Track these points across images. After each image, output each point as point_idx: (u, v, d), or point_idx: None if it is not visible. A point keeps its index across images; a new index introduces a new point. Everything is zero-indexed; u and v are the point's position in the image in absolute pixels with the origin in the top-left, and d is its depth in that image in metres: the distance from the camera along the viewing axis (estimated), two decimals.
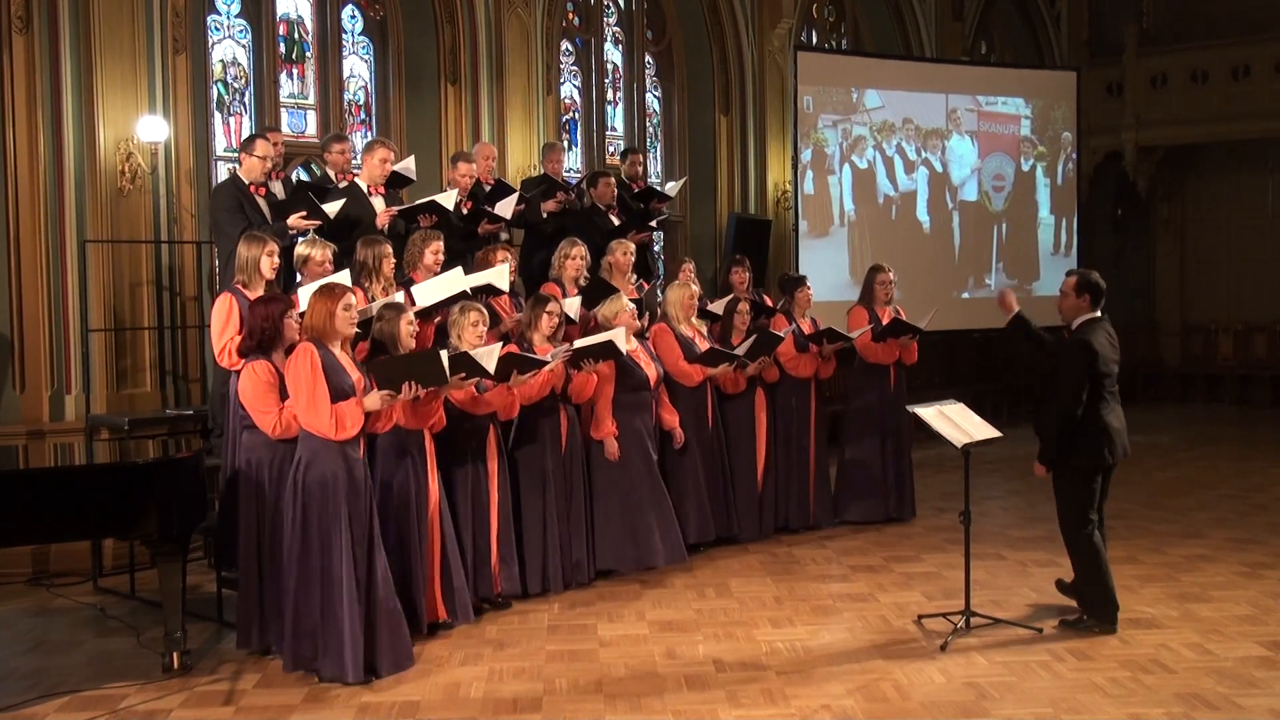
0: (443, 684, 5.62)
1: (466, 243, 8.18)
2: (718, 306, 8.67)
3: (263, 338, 5.82)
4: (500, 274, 7.36)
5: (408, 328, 6.14)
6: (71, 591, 7.43)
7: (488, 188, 8.87)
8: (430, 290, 6.89)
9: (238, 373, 6.20)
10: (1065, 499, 6.32)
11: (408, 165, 8.26)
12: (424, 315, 6.73)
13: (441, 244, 7.38)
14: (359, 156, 8.30)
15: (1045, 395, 6.47)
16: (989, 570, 7.54)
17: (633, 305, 7.61)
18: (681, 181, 11.29)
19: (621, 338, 7.18)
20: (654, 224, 9.83)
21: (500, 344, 6.50)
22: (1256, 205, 17.22)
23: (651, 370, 7.65)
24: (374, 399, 5.60)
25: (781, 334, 8.46)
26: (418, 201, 7.86)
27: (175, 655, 5.80)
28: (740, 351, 8.06)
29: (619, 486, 7.42)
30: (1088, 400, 6.11)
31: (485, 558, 6.74)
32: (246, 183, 7.43)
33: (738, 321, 8.36)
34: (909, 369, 9.22)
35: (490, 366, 6.26)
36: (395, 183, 8.16)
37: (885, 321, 8.91)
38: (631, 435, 7.47)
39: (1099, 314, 6.32)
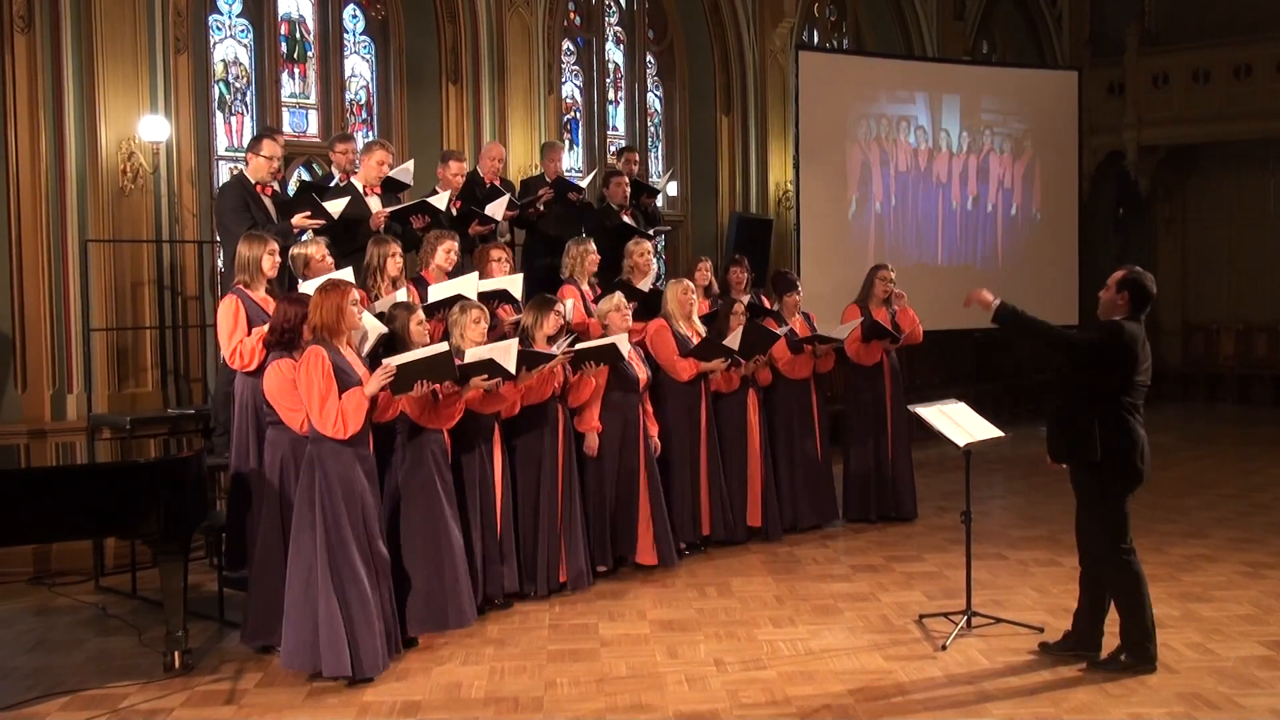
0: (444, 683, 5.62)
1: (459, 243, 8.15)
2: None
3: (282, 336, 5.83)
4: (514, 282, 7.38)
5: (417, 326, 6.16)
6: (73, 591, 7.43)
7: (488, 186, 8.85)
8: (443, 290, 6.91)
9: (247, 372, 6.22)
10: (1096, 520, 5.69)
11: (406, 169, 8.24)
12: (428, 312, 6.73)
13: (455, 244, 7.40)
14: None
15: (1057, 392, 5.82)
16: (990, 570, 7.54)
17: (626, 304, 7.59)
18: (670, 174, 11.23)
19: (625, 342, 7.18)
20: (652, 231, 9.78)
21: (514, 340, 6.51)
22: (1258, 205, 17.21)
23: (642, 373, 7.65)
24: (374, 383, 5.59)
25: (778, 332, 8.43)
26: (409, 203, 7.85)
27: (177, 654, 5.81)
28: (730, 342, 8.00)
29: (599, 486, 7.42)
30: (1115, 409, 5.57)
31: (494, 555, 6.75)
32: (253, 182, 7.43)
33: (733, 323, 8.33)
34: (908, 369, 9.21)
35: (511, 366, 6.29)
36: (393, 186, 8.16)
37: (882, 320, 8.90)
38: (616, 435, 7.46)
39: (1136, 317, 5.69)
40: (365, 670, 5.58)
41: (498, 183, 8.99)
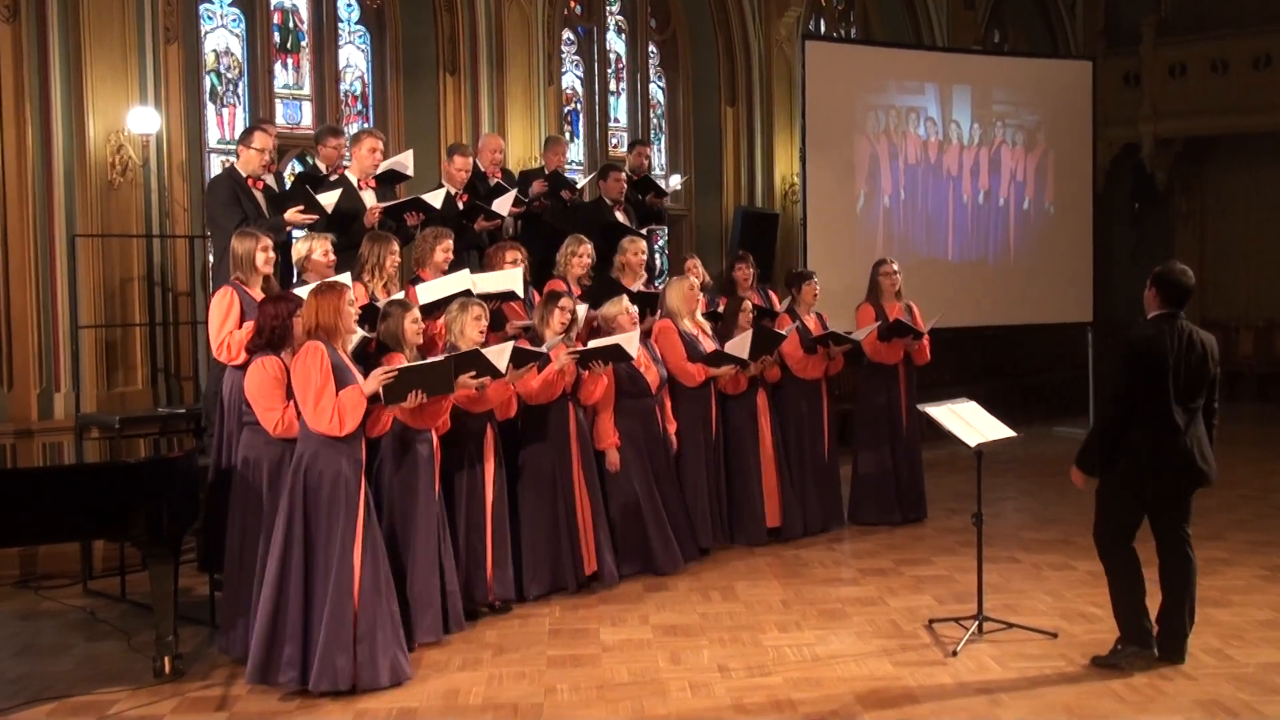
0: (441, 690, 5.62)
1: (459, 239, 8.10)
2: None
3: (272, 336, 5.82)
4: (515, 278, 7.37)
5: (412, 325, 6.14)
6: (60, 594, 7.43)
7: (493, 181, 8.84)
8: (435, 289, 6.90)
9: (237, 367, 6.20)
10: (1100, 506, 5.91)
11: (404, 160, 8.23)
12: (426, 312, 6.72)
13: (452, 242, 7.39)
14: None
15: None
16: (1002, 573, 7.52)
17: (634, 307, 7.58)
18: (682, 179, 11.22)
19: (634, 342, 7.17)
20: (653, 227, 9.71)
21: (510, 343, 6.51)
22: (1277, 198, 17.18)
23: (653, 374, 7.64)
24: (372, 381, 5.59)
25: (784, 332, 8.42)
26: (402, 199, 7.82)
27: (167, 660, 5.80)
28: (736, 348, 7.98)
29: (620, 495, 7.44)
30: (1143, 403, 5.66)
31: (480, 561, 6.73)
32: (244, 175, 7.41)
33: (741, 320, 8.32)
34: (919, 368, 9.20)
35: (502, 366, 6.28)
36: (391, 178, 8.13)
37: (894, 318, 8.87)
38: (632, 444, 7.47)
39: (1171, 312, 5.78)
40: (381, 680, 5.57)
41: (499, 175, 8.98)
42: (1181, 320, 5.79)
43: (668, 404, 7.85)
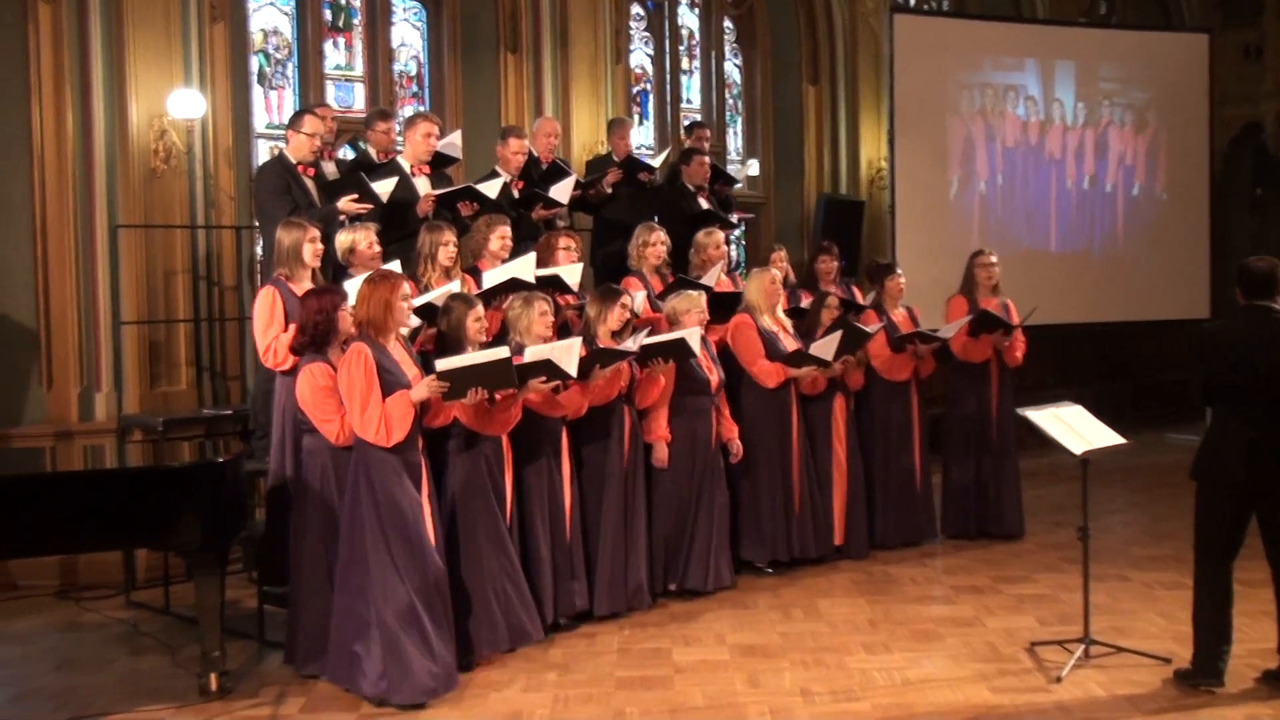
0: (503, 711, 5.65)
1: (516, 229, 8.11)
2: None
3: (316, 333, 5.86)
4: (573, 271, 7.38)
5: (475, 324, 6.18)
6: (102, 606, 7.56)
7: (544, 166, 8.86)
8: (499, 275, 6.95)
9: (284, 372, 6.27)
10: (1196, 515, 5.95)
11: (452, 142, 8.26)
12: (485, 298, 6.74)
13: (508, 229, 7.42)
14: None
15: None
16: (1110, 593, 7.43)
17: (703, 303, 7.54)
18: (753, 166, 11.14)
19: (696, 338, 7.16)
20: (735, 219, 9.63)
21: (579, 341, 6.53)
22: None
23: (714, 374, 7.61)
24: (421, 389, 5.63)
25: (870, 329, 8.33)
26: (455, 188, 7.85)
27: (213, 676, 5.87)
28: (822, 349, 7.88)
29: (665, 499, 7.41)
30: (1216, 402, 5.83)
31: (565, 572, 6.77)
32: (294, 162, 7.47)
33: (825, 318, 8.25)
34: (1015, 370, 9.06)
35: (572, 369, 6.30)
36: (440, 162, 8.17)
37: (995, 313, 8.74)
38: (686, 443, 7.44)
39: (1257, 304, 5.81)
40: (419, 696, 5.62)
41: (555, 161, 8.99)
42: (1274, 313, 5.76)
43: (725, 409, 7.78)
